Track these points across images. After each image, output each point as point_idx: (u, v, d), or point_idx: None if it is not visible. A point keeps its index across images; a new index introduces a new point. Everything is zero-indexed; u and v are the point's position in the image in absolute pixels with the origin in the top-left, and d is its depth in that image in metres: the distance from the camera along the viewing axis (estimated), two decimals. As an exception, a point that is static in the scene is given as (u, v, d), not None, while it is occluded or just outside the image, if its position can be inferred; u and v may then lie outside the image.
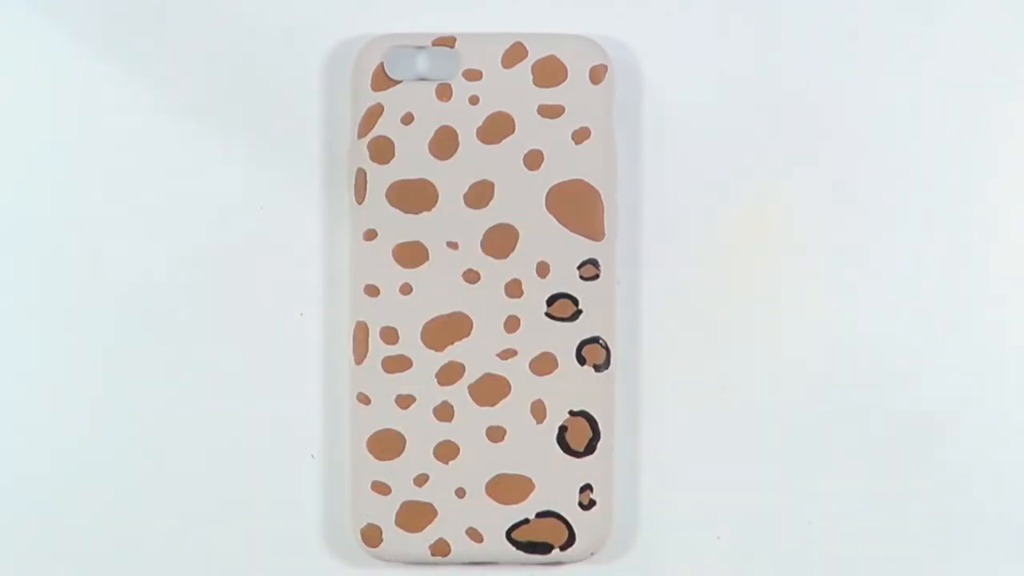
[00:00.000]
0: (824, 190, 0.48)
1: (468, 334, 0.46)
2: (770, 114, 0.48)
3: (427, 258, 0.46)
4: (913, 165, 0.48)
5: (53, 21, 0.48)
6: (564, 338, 0.46)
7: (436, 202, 0.46)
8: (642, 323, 0.48)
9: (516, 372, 0.46)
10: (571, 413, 0.46)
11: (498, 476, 0.46)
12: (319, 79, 0.48)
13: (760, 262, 0.48)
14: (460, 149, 0.46)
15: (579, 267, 0.46)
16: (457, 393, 0.46)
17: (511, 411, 0.46)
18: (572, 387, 0.46)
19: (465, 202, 0.46)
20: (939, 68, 0.48)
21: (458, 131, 0.46)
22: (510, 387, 0.46)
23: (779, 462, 0.48)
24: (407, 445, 0.46)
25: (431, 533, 0.46)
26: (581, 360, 0.46)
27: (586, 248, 0.46)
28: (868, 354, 0.48)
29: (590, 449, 0.46)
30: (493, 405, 0.46)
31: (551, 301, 0.46)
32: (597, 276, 0.46)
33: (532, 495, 0.46)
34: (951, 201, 0.48)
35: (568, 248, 0.46)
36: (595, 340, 0.46)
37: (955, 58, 0.48)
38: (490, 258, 0.46)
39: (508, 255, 0.46)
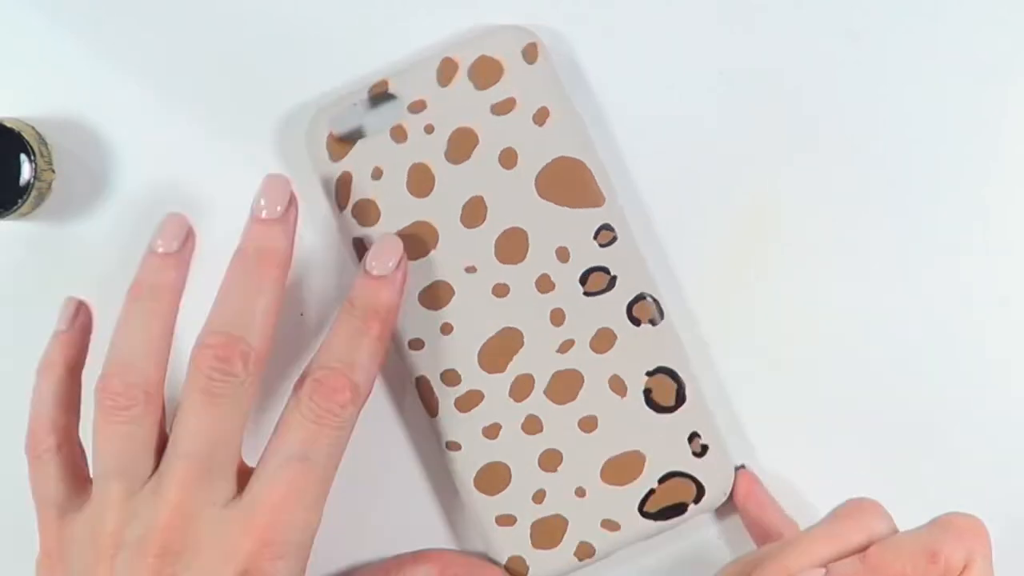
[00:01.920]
0: (823, 189, 0.48)
1: (522, 345, 0.46)
2: (770, 114, 0.48)
3: (453, 292, 0.46)
4: (913, 163, 0.48)
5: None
6: (611, 308, 0.46)
7: (438, 237, 0.46)
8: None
9: (581, 359, 0.46)
10: (648, 374, 0.46)
11: (608, 462, 0.46)
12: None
13: (759, 260, 0.48)
14: (438, 179, 0.46)
15: (595, 237, 0.46)
16: (536, 402, 0.46)
17: (593, 397, 0.46)
18: (639, 350, 0.46)
19: (464, 224, 0.46)
20: (938, 68, 0.48)
21: (429, 164, 0.46)
22: (582, 376, 0.46)
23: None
24: (512, 470, 0.46)
25: (570, 541, 0.46)
26: (636, 321, 0.46)
27: (593, 217, 0.46)
28: (872, 350, 0.48)
29: (680, 399, 0.46)
30: (574, 399, 0.46)
31: (584, 279, 0.46)
32: (615, 239, 0.46)
33: (647, 466, 0.46)
34: (951, 197, 0.48)
35: (576, 224, 0.46)
36: (641, 298, 0.46)
37: (954, 58, 0.48)
38: (510, 266, 0.46)
39: (525, 256, 0.46)
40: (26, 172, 0.45)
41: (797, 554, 0.39)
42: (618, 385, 0.46)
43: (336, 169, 0.46)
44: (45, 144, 0.47)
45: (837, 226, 0.48)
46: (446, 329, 0.46)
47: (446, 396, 0.46)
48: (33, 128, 0.47)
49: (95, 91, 0.48)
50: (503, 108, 0.46)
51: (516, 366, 0.46)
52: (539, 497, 0.46)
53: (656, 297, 0.46)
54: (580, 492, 0.46)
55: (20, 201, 0.45)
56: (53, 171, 0.47)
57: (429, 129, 0.46)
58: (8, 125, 0.46)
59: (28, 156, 0.45)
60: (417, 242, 0.46)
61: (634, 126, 0.47)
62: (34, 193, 0.46)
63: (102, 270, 0.48)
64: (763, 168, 0.48)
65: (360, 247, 0.46)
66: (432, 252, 0.46)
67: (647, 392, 0.46)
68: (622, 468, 0.46)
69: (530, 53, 0.46)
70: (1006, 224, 0.48)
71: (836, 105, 0.48)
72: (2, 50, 0.48)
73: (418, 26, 0.47)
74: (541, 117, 0.46)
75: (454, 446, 0.46)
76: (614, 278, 0.46)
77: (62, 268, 0.48)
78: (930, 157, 0.48)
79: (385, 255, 0.44)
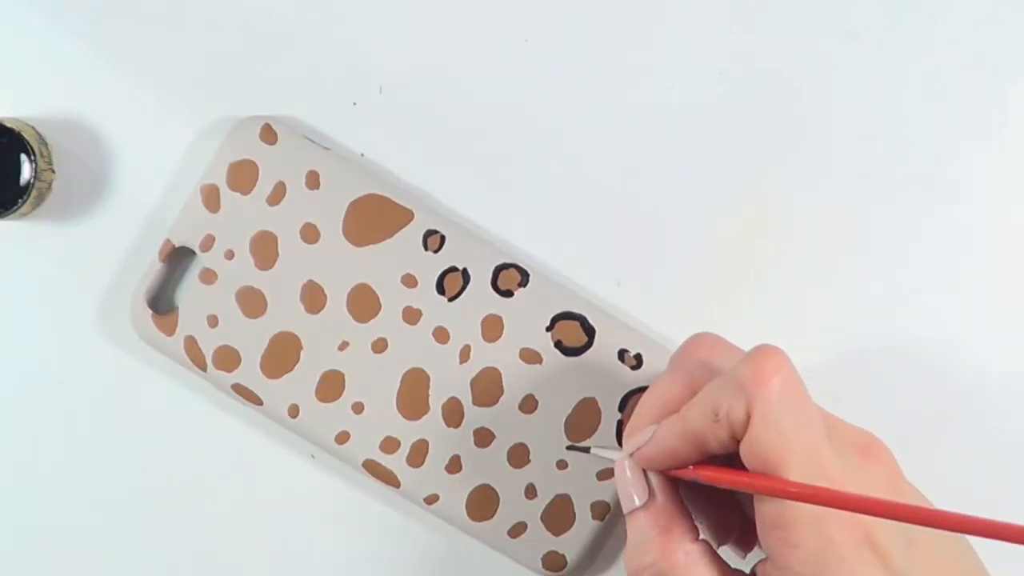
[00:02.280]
0: (824, 188, 0.47)
1: (429, 377, 0.46)
2: (770, 113, 0.47)
3: (342, 375, 0.46)
4: (913, 163, 0.47)
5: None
6: (480, 296, 0.46)
7: (299, 340, 0.46)
8: (646, 323, 0.47)
9: (486, 356, 0.46)
10: (548, 328, 0.46)
11: (567, 419, 0.46)
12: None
13: (759, 260, 0.47)
14: (265, 291, 0.46)
15: (425, 247, 0.46)
16: (474, 417, 0.46)
17: (515, 382, 0.46)
18: (527, 313, 0.46)
19: (313, 312, 0.46)
20: (938, 68, 0.47)
21: (250, 285, 0.46)
22: (496, 370, 0.46)
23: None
24: (500, 494, 0.46)
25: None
26: (507, 293, 0.46)
27: (413, 232, 0.46)
28: (872, 350, 0.47)
29: (589, 332, 0.46)
30: (502, 392, 0.46)
31: (440, 288, 0.46)
32: (444, 237, 0.46)
33: (601, 408, 0.46)
34: (951, 197, 0.47)
35: (403, 248, 0.46)
36: (501, 269, 0.46)
37: (954, 58, 0.47)
38: (374, 320, 0.46)
39: (380, 303, 0.46)
40: (26, 172, 0.46)
41: (638, 411, 0.40)
42: (530, 355, 0.46)
43: (176, 340, 0.46)
44: (45, 144, 0.47)
45: (837, 226, 0.47)
46: (358, 408, 0.46)
47: (397, 463, 0.46)
48: (33, 128, 0.47)
49: (95, 91, 0.48)
50: (277, 196, 0.46)
51: (437, 398, 0.46)
52: (531, 492, 0.46)
53: (512, 262, 0.46)
54: (561, 465, 0.46)
55: (20, 201, 0.45)
56: (53, 171, 0.47)
57: (229, 255, 0.46)
58: (8, 125, 0.46)
59: (28, 156, 0.45)
60: (287, 353, 0.46)
61: (634, 126, 0.47)
62: (34, 193, 0.46)
63: (102, 270, 0.48)
64: (764, 167, 0.47)
65: (240, 391, 0.46)
66: (302, 353, 0.46)
67: (558, 343, 0.46)
68: (583, 416, 0.46)
69: (267, 135, 0.46)
70: (1007, 223, 0.48)
71: (836, 105, 0.47)
72: (2, 50, 0.48)
73: (412, 27, 0.48)
74: (312, 181, 0.46)
75: (433, 499, 0.46)
76: (465, 270, 0.46)
77: (62, 268, 0.48)
78: (930, 157, 0.47)
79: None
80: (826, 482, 0.36)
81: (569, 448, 0.46)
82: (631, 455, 0.40)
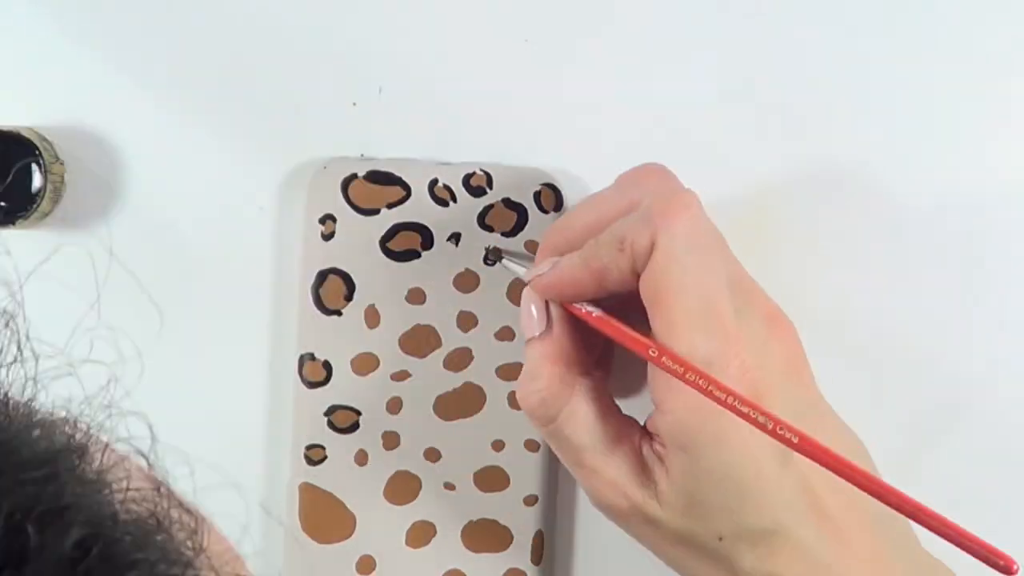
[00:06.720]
0: (824, 188, 0.47)
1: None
2: (769, 113, 0.47)
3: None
4: (913, 163, 0.47)
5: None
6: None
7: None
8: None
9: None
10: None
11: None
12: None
13: (759, 260, 0.47)
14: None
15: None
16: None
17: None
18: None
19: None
20: (939, 68, 0.47)
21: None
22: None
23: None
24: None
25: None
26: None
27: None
28: (871, 352, 0.48)
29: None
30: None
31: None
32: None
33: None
34: (951, 199, 0.47)
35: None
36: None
37: (955, 58, 0.46)
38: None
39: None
40: (36, 174, 0.45)
41: (568, 220, 0.41)
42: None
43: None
44: (45, 140, 0.46)
45: (837, 226, 0.48)
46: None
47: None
48: (29, 129, 0.46)
49: (96, 97, 0.48)
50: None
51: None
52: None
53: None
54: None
55: (39, 198, 0.45)
56: (62, 163, 0.47)
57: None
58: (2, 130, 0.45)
59: (31, 154, 0.45)
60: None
61: (633, 125, 0.47)
62: (49, 188, 0.45)
63: (111, 281, 0.48)
64: (763, 167, 0.48)
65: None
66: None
67: None
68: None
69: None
70: (1009, 223, 0.48)
71: (836, 104, 0.47)
72: (7, 59, 0.48)
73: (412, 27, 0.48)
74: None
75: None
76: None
77: (71, 278, 0.47)
78: (931, 158, 0.47)
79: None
80: (720, 332, 0.37)
81: (488, 251, 0.46)
82: (532, 280, 0.41)
